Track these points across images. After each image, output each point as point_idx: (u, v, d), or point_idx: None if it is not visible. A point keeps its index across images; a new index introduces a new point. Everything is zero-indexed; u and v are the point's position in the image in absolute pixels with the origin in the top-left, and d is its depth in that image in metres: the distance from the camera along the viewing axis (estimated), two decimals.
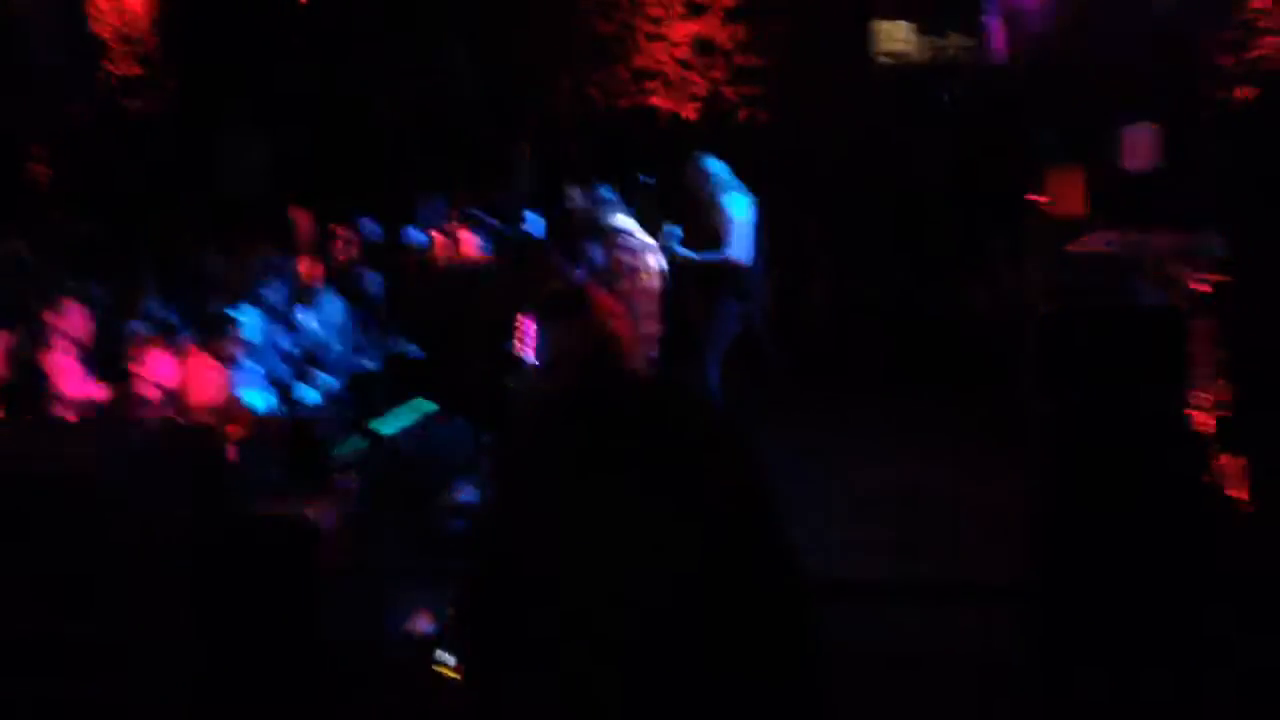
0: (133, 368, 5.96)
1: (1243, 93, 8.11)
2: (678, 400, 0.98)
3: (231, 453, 5.24)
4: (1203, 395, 4.62)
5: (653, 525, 0.86)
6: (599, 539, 0.86)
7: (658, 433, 0.93)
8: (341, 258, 8.16)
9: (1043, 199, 7.04)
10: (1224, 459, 4.29)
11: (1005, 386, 6.72)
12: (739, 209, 6.70)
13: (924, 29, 10.18)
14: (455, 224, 8.86)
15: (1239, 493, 4.23)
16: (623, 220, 6.28)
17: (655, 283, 6.22)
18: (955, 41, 10.17)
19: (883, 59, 10.17)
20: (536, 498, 0.92)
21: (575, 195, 7.48)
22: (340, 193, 9.68)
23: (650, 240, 6.35)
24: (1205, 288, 4.93)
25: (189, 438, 5.24)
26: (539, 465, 0.95)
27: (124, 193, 10.28)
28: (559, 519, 0.88)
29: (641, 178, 7.21)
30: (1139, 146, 7.10)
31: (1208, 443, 4.34)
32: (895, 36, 10.22)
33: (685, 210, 7.03)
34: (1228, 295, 4.85)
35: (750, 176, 6.91)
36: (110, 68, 11.57)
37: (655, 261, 6.26)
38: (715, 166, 6.78)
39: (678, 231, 6.85)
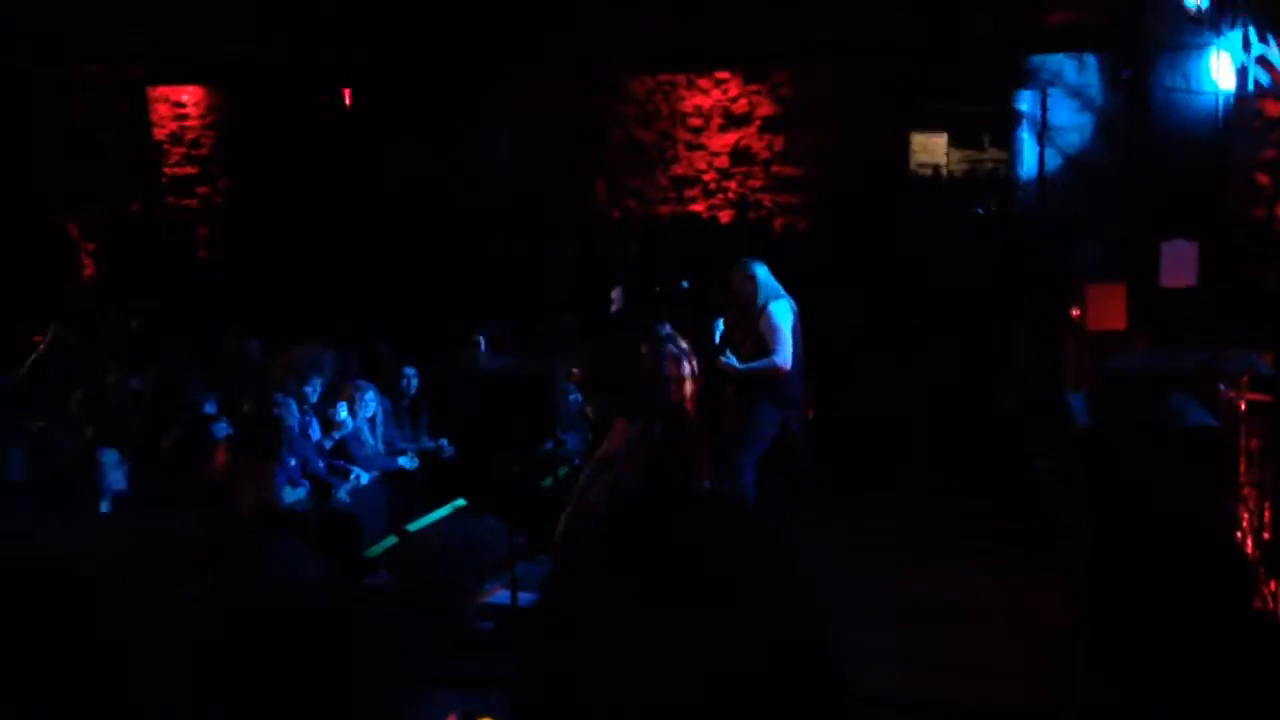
0: (174, 460, 6.01)
1: None
2: (730, 518, 0.98)
3: (267, 546, 5.24)
4: (1248, 516, 4.54)
5: (687, 639, 0.86)
6: (635, 657, 0.86)
7: (703, 551, 0.93)
8: (382, 353, 8.26)
9: (1081, 313, 7.03)
10: (1273, 583, 4.20)
11: (1040, 495, 6.65)
12: (782, 315, 6.73)
13: (960, 142, 10.33)
14: (492, 323, 8.97)
15: None
16: (666, 326, 6.34)
17: (692, 388, 6.25)
18: (991, 155, 10.30)
19: (919, 171, 10.32)
20: (581, 619, 0.92)
21: (616, 298, 7.57)
22: (380, 291, 9.85)
23: (685, 345, 6.40)
24: (1245, 406, 4.88)
25: (228, 530, 5.24)
26: (584, 586, 0.95)
27: (171, 286, 10.51)
28: (599, 639, 0.88)
29: (683, 283, 7.27)
30: (1178, 263, 7.10)
31: (1255, 566, 4.25)
32: (931, 149, 10.37)
33: (722, 313, 7.08)
34: (1272, 413, 4.78)
35: (787, 283, 6.95)
36: (166, 169, 11.96)
37: (690, 367, 6.30)
38: (761, 271, 6.81)
39: (719, 326, 6.95)
